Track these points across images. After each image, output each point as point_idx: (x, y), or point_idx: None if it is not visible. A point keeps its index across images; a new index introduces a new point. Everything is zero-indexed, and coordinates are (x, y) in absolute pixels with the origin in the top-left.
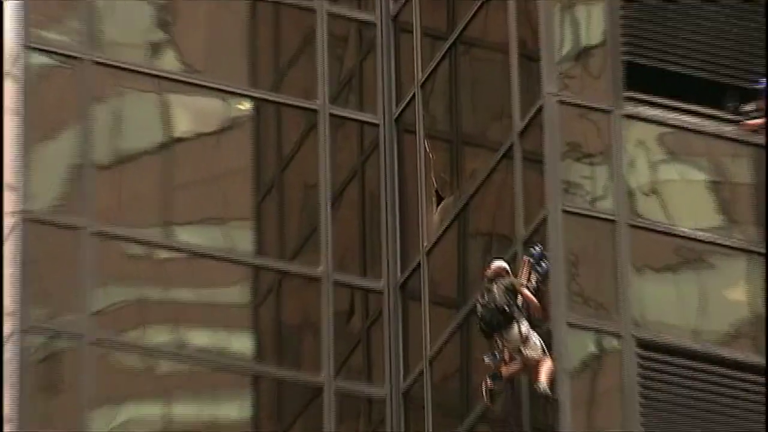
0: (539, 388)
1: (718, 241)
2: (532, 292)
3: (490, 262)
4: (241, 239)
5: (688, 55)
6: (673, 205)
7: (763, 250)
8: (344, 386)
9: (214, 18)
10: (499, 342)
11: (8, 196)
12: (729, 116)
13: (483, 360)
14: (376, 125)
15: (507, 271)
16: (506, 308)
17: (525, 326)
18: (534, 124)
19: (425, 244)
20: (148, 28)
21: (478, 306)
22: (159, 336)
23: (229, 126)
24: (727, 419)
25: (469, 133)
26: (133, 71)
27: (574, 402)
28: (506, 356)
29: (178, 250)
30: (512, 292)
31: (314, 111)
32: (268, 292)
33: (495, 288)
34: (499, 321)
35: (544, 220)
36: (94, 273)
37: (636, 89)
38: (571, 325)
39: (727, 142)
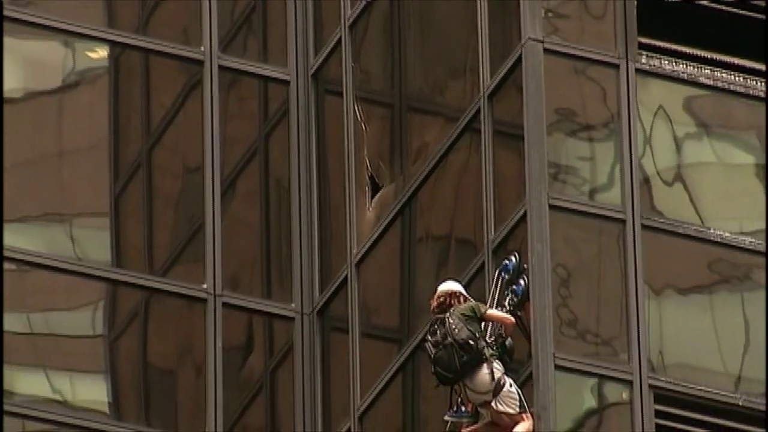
0: None
1: None
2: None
3: (437, 289)
4: (93, 244)
5: None
6: (707, 200)
7: None
8: None
9: None
10: (462, 391)
11: None
12: None
13: (443, 419)
14: (286, 83)
15: (461, 298)
16: (471, 342)
17: (498, 369)
18: (509, 82)
19: (354, 252)
20: None
21: (429, 346)
22: None
23: (77, 82)
24: None
25: (418, 96)
26: None
27: None
28: (471, 410)
29: (1, 258)
30: (476, 319)
31: (197, 62)
32: (129, 320)
33: (450, 318)
34: (464, 361)
35: (523, 219)
36: None
37: (655, 34)
38: (561, 368)
39: None
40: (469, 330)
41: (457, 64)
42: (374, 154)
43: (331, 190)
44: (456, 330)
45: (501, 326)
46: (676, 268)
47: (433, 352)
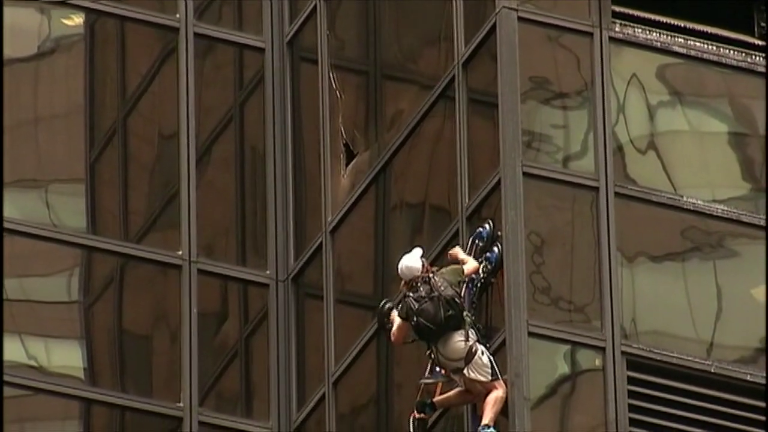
0: None
1: (743, 219)
2: (477, 285)
3: (409, 266)
4: (68, 210)
5: None
6: (680, 167)
7: None
8: (212, 419)
9: None
10: (436, 357)
11: None
12: (759, 41)
13: (418, 384)
14: (261, 50)
15: (429, 270)
16: (456, 300)
17: (471, 337)
18: (483, 50)
19: (329, 219)
20: None
21: (410, 301)
22: None
23: (52, 49)
24: None
25: (393, 64)
26: None
27: None
28: (447, 374)
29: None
30: (457, 285)
31: (173, 29)
32: (105, 286)
33: (435, 277)
34: (449, 315)
35: (497, 186)
36: None
37: (628, 2)
38: (534, 334)
39: (756, 79)
40: (455, 290)
41: (431, 33)
42: (349, 122)
43: (306, 157)
44: (442, 288)
45: (476, 294)
46: (648, 235)
47: (416, 305)
